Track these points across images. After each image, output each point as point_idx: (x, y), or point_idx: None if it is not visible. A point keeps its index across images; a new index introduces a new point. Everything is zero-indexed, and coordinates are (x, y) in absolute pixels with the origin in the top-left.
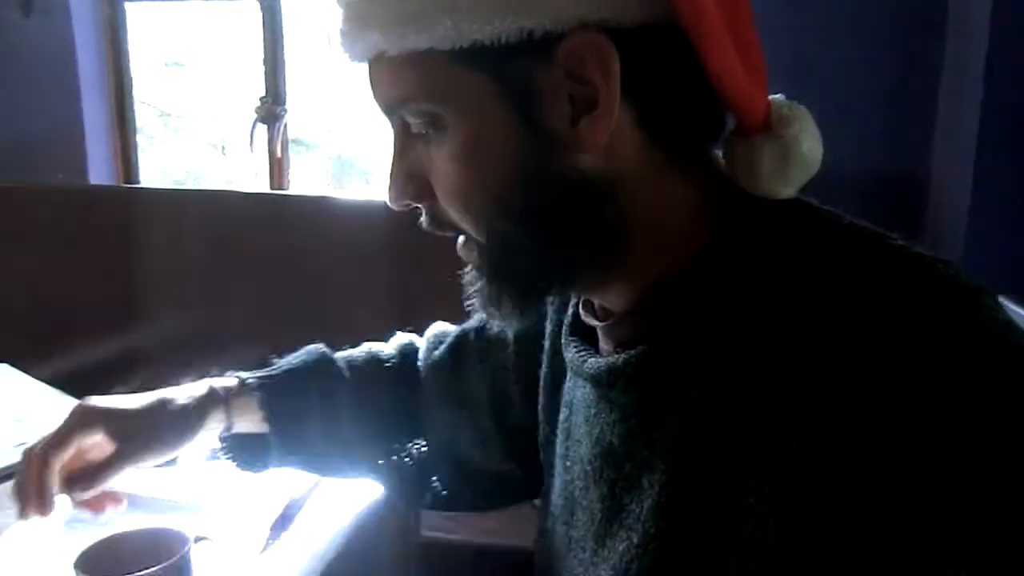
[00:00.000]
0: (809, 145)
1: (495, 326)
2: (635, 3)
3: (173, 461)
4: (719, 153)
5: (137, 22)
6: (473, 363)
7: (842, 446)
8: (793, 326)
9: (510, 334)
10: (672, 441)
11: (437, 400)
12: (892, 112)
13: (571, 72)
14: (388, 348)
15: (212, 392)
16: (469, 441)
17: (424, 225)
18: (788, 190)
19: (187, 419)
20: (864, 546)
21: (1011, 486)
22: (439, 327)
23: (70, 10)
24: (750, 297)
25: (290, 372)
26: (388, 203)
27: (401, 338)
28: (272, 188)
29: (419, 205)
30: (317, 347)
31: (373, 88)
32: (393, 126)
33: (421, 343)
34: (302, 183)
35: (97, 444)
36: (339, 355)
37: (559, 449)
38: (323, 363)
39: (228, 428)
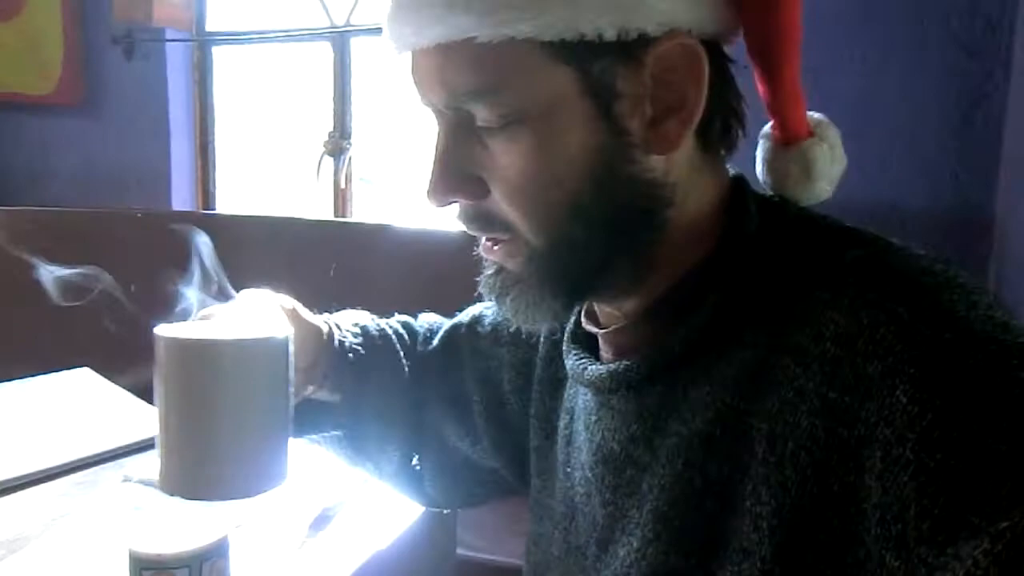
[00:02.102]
0: (841, 145)
1: (525, 328)
2: (710, 16)
3: None
4: (729, 169)
5: (226, 65)
6: (464, 358)
7: (838, 449)
8: (791, 330)
9: (510, 335)
10: (671, 445)
11: (428, 394)
12: (956, 149)
13: (656, 75)
14: (400, 324)
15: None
16: (459, 437)
17: (464, 221)
18: (830, 188)
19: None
20: (858, 548)
21: (1007, 477)
22: (429, 318)
23: (166, 56)
24: (751, 302)
25: (365, 335)
26: (429, 198)
27: (406, 319)
28: (336, 217)
29: (464, 203)
30: (362, 313)
31: (438, 75)
32: (444, 120)
33: (418, 329)
34: (367, 215)
35: None
36: (389, 327)
37: (560, 456)
38: (389, 339)
39: (324, 374)
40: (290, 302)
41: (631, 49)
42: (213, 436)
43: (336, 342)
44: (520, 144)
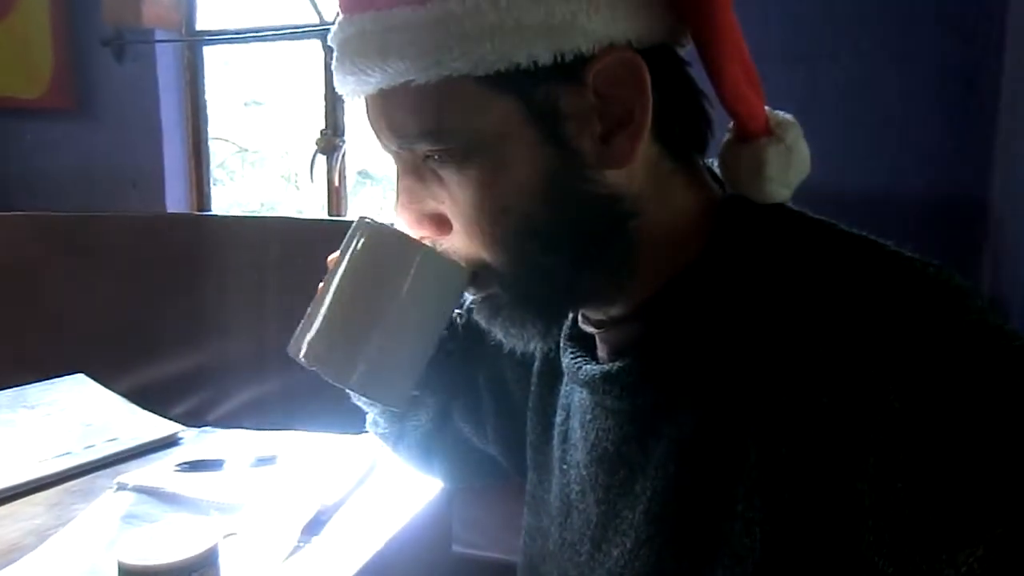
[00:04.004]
0: (804, 148)
1: (518, 349)
2: (651, 25)
3: (220, 465)
4: (711, 162)
5: (219, 65)
6: (478, 342)
7: (832, 454)
8: (785, 333)
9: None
10: (665, 447)
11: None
12: (950, 136)
13: (600, 91)
14: None
15: None
16: (462, 419)
17: None
18: (786, 192)
19: None
20: (851, 554)
21: (1002, 484)
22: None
23: (156, 56)
24: (744, 305)
25: None
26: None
27: None
28: (331, 215)
29: (428, 239)
30: None
31: (385, 120)
32: (400, 160)
33: None
34: (368, 211)
35: None
36: None
37: (556, 452)
38: None
39: None
40: None
41: (570, 70)
42: (375, 326)
43: None
44: (470, 177)
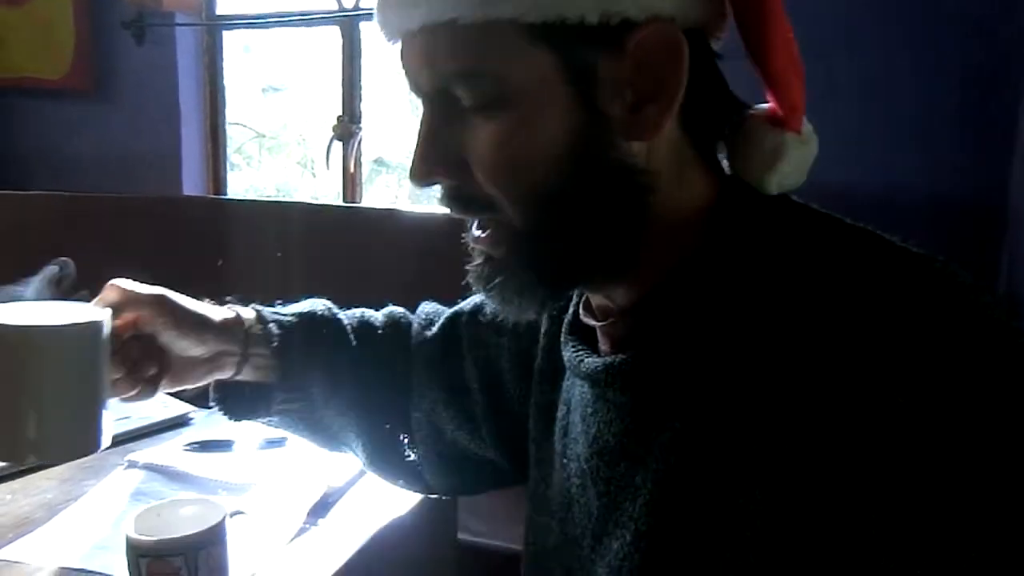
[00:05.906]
0: (815, 149)
1: (510, 318)
2: (696, 5)
3: (229, 446)
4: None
5: (238, 50)
6: (464, 349)
7: (835, 447)
8: (788, 326)
9: (511, 323)
10: (666, 440)
11: (426, 382)
12: (969, 136)
13: (638, 61)
14: (379, 316)
15: (239, 318)
16: (456, 426)
17: (446, 201)
18: (786, 184)
19: (222, 335)
20: (852, 547)
21: (1013, 483)
22: (430, 306)
23: (175, 40)
24: (746, 297)
25: (302, 317)
26: (411, 178)
27: (392, 309)
28: (346, 202)
29: (446, 182)
30: (320, 300)
31: (423, 58)
32: (429, 102)
33: (413, 319)
34: (383, 199)
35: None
36: (339, 312)
37: (557, 446)
38: (329, 317)
39: (243, 356)
40: (159, 291)
41: (613, 35)
42: (14, 409)
43: (258, 327)
44: (499, 126)
